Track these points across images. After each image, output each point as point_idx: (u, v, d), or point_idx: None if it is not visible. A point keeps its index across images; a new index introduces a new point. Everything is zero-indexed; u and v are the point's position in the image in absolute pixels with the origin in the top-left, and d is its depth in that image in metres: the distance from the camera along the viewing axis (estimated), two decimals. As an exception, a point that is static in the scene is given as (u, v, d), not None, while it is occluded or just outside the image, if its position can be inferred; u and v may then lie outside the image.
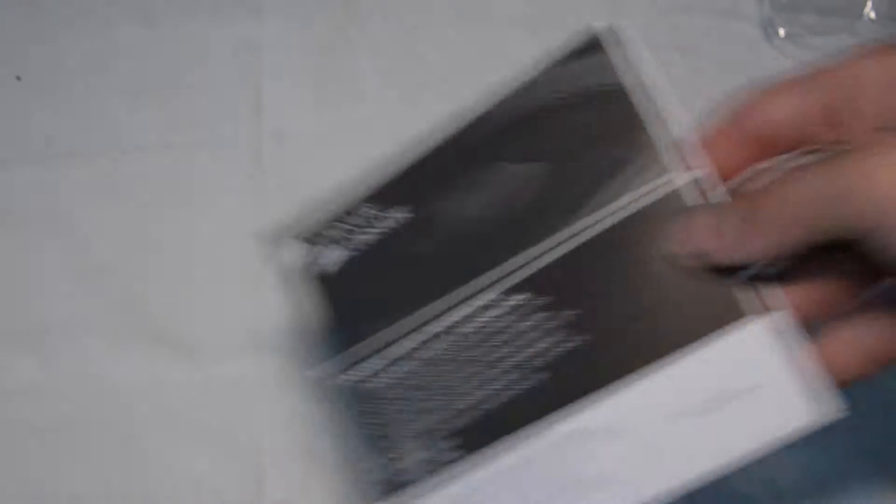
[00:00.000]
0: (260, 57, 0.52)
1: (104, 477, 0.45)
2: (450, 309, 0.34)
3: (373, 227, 0.35)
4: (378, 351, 0.34)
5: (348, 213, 0.35)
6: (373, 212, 0.35)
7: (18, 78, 0.52)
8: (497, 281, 0.33)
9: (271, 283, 0.45)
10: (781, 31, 0.52)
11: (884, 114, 0.29)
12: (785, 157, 0.32)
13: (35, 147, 0.51)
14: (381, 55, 0.53)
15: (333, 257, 0.35)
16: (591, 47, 0.33)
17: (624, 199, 0.32)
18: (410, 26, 0.53)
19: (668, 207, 0.32)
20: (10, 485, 0.45)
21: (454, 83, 0.51)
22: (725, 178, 0.32)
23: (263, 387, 0.47)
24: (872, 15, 0.52)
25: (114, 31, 0.53)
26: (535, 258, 0.33)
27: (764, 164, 0.32)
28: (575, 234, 0.33)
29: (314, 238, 0.35)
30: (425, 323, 0.34)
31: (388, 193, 0.35)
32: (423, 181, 0.34)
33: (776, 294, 0.31)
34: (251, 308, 0.47)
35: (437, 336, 0.34)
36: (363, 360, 0.35)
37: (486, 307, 0.33)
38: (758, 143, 0.32)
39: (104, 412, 0.46)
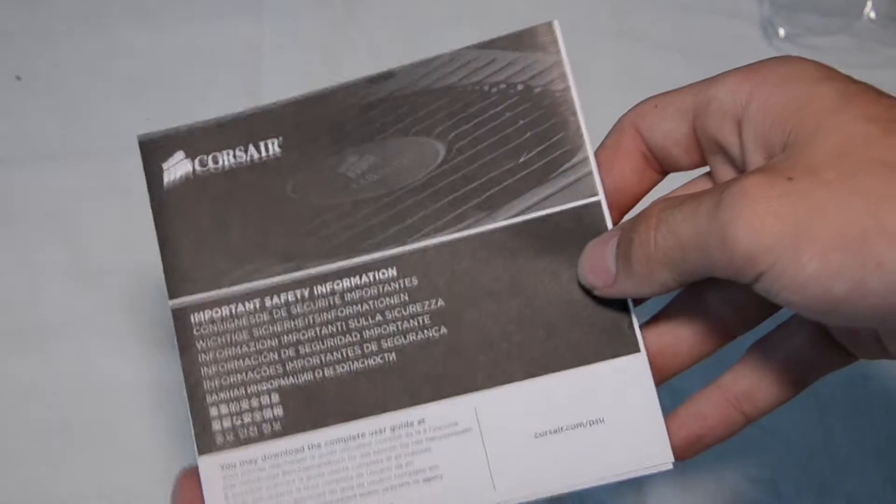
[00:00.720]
0: (260, 57, 0.52)
1: (104, 477, 0.45)
2: (309, 263, 0.32)
3: (237, 151, 0.33)
4: (220, 288, 0.32)
5: (214, 130, 0.33)
6: (242, 137, 0.33)
7: (18, 78, 0.52)
8: (365, 250, 0.32)
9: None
10: (781, 31, 0.52)
11: (725, 140, 0.30)
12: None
13: (35, 147, 0.51)
14: (381, 55, 0.52)
15: (181, 171, 0.33)
16: (539, 44, 0.32)
17: (520, 205, 0.32)
18: (410, 26, 0.53)
19: (565, 226, 0.32)
20: (10, 485, 0.45)
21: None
22: (628, 195, 0.33)
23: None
24: (872, 15, 0.52)
25: (114, 32, 0.53)
26: (412, 237, 0.32)
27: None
28: (461, 225, 0.32)
29: (168, 147, 0.33)
30: (279, 273, 0.32)
31: (264, 122, 0.33)
32: (309, 122, 0.33)
33: (641, 336, 0.31)
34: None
35: (289, 288, 0.32)
36: (198, 292, 0.32)
37: (347, 273, 0.32)
38: (647, 161, 0.32)
39: (104, 412, 0.46)
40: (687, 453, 0.32)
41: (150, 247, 0.49)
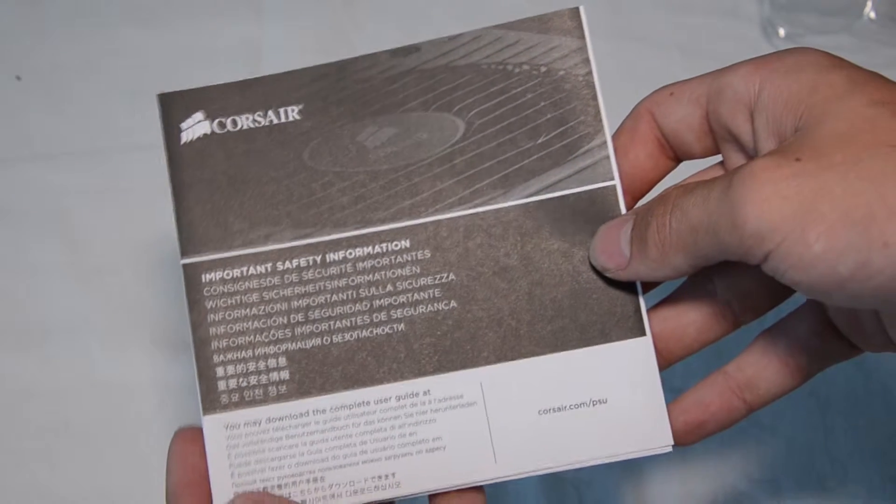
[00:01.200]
0: (260, 57, 0.52)
1: (104, 477, 0.45)
2: (322, 230, 0.32)
3: (256, 115, 0.33)
4: (232, 249, 0.32)
5: (235, 93, 0.33)
6: (262, 102, 0.33)
7: (18, 78, 0.52)
8: (380, 220, 0.32)
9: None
10: (781, 31, 0.52)
11: (738, 127, 0.30)
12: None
13: (35, 147, 0.51)
14: (381, 55, 0.53)
15: (200, 131, 0.33)
16: (565, 28, 0.33)
17: (536, 185, 0.32)
18: (410, 27, 0.53)
19: (580, 208, 0.32)
20: (10, 485, 0.45)
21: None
22: (642, 180, 0.33)
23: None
24: (872, 15, 0.52)
25: (113, 31, 0.53)
26: (426, 210, 0.32)
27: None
28: (476, 201, 0.32)
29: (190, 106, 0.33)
30: (292, 238, 0.32)
31: (285, 88, 0.33)
32: (330, 91, 0.33)
33: (647, 320, 0.32)
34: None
35: (302, 253, 0.32)
36: (210, 253, 0.32)
37: (360, 242, 0.32)
38: (661, 147, 0.33)
39: (104, 412, 0.46)
40: (688, 439, 0.33)
41: (149, 246, 0.49)
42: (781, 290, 0.32)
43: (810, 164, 0.25)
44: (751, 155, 0.30)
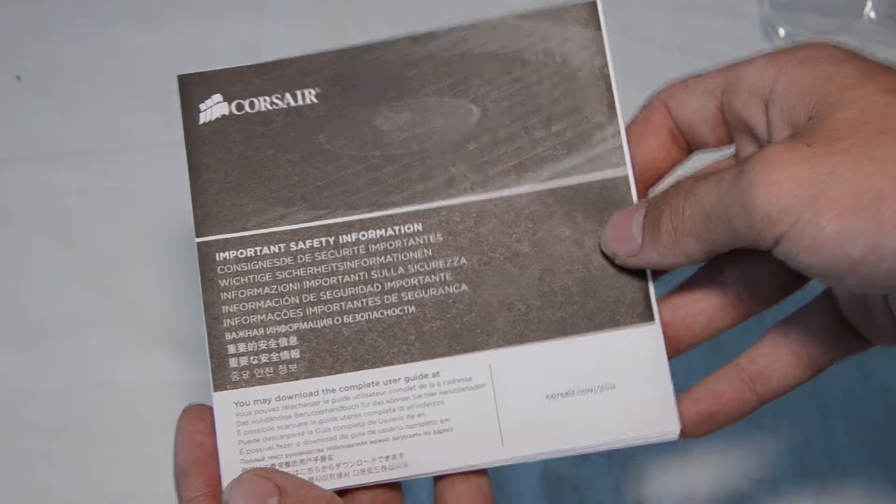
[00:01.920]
0: (260, 57, 0.52)
1: (104, 477, 0.45)
2: (336, 212, 0.33)
3: (273, 97, 0.33)
4: (246, 230, 0.32)
5: (253, 75, 0.33)
6: (280, 85, 0.33)
7: (18, 78, 0.52)
8: (393, 203, 0.33)
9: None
10: (781, 31, 0.52)
11: (752, 118, 0.30)
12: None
13: (35, 147, 0.51)
14: (381, 55, 0.52)
15: (218, 112, 0.33)
16: (582, 20, 0.33)
17: (549, 172, 0.33)
18: (411, 26, 0.53)
19: (592, 196, 0.32)
20: (10, 485, 0.45)
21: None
22: (653, 170, 0.34)
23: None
24: (872, 15, 0.52)
25: (114, 31, 0.53)
26: (439, 195, 0.33)
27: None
28: (489, 187, 0.33)
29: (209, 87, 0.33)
30: (306, 220, 0.33)
31: (302, 71, 0.33)
32: (347, 75, 0.33)
33: (657, 307, 0.32)
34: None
35: (315, 234, 0.32)
36: (225, 232, 0.33)
37: (373, 224, 0.32)
38: (674, 138, 0.33)
39: (104, 412, 0.46)
40: (698, 430, 0.33)
41: (149, 246, 0.49)
42: (791, 280, 0.33)
43: (821, 148, 0.26)
44: (764, 145, 0.31)
